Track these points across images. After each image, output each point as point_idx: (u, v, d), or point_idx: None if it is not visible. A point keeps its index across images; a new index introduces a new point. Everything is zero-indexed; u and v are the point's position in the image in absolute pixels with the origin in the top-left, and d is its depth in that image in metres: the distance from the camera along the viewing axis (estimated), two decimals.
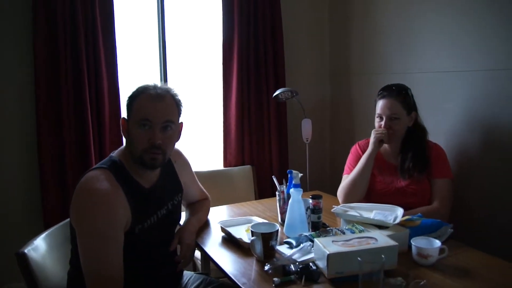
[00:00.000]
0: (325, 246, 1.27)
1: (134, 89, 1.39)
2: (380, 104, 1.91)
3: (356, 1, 2.90)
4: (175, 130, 1.40)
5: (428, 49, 2.36)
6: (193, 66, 2.93)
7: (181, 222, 1.71)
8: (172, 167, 1.58)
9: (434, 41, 2.31)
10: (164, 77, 2.74)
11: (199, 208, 1.76)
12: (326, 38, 3.20)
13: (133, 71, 2.69)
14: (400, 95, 1.88)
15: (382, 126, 1.89)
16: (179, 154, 1.64)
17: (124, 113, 1.47)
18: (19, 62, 2.34)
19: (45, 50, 2.29)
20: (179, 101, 1.42)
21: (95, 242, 1.24)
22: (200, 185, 1.81)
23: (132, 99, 1.37)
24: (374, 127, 1.96)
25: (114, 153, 1.42)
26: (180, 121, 1.44)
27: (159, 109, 1.33)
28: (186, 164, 1.67)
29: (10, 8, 2.30)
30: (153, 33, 2.72)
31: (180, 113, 1.43)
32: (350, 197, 1.91)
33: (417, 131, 1.94)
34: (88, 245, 1.24)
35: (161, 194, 1.48)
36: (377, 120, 1.94)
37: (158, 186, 1.46)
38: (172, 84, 2.71)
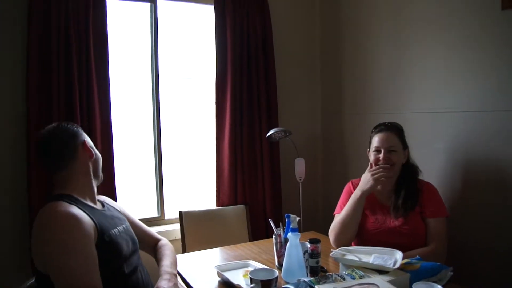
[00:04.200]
0: None
1: None
2: (377, 137, 1.94)
3: (347, 41, 2.98)
4: None
5: (419, 90, 2.41)
6: (185, 104, 2.95)
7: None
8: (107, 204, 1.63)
9: (425, 81, 2.37)
10: (157, 116, 2.75)
11: (166, 252, 1.69)
12: (318, 77, 3.26)
13: (126, 105, 2.70)
14: (397, 130, 1.96)
15: (381, 158, 1.89)
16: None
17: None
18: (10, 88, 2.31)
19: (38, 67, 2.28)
20: None
21: (72, 259, 1.22)
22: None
23: None
24: (366, 166, 1.97)
25: (56, 192, 1.44)
26: None
27: None
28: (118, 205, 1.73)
29: (6, 12, 2.28)
30: (147, 72, 2.74)
31: None
32: (340, 237, 1.91)
33: (410, 169, 1.97)
34: (64, 265, 1.21)
35: (111, 216, 1.53)
36: (373, 154, 1.95)
37: (106, 211, 1.54)
38: (164, 123, 2.75)
